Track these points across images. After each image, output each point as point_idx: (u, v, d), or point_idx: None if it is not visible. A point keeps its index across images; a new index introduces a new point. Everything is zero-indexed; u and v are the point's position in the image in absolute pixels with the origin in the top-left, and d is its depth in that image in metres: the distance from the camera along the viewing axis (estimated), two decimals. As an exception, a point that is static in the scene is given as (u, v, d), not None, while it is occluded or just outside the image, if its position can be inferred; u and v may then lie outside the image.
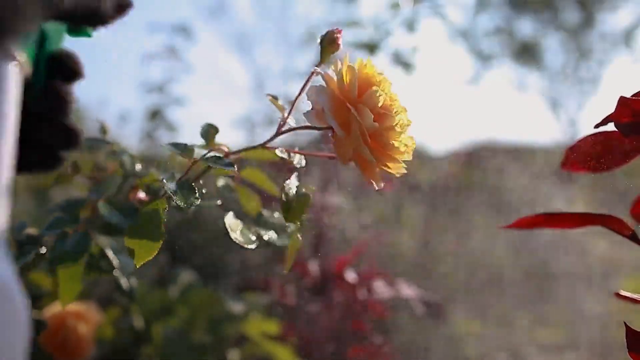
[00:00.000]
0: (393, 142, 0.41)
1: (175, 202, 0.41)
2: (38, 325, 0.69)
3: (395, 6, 1.60)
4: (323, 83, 0.42)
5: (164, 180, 0.42)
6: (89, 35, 0.35)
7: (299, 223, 0.47)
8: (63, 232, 0.49)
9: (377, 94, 0.40)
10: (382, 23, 1.62)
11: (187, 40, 2.33)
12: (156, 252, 0.43)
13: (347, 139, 0.41)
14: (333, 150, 0.42)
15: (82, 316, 0.79)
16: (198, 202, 0.41)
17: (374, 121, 0.40)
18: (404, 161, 0.43)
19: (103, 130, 0.59)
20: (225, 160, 0.44)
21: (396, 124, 0.41)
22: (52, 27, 0.32)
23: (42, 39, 0.32)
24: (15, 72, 0.27)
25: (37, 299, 0.74)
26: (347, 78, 0.41)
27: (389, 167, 0.43)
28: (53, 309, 0.76)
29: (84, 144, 0.56)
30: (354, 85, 0.40)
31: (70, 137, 0.34)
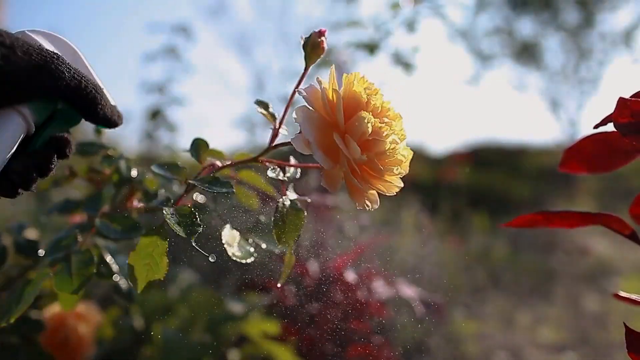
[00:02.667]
0: (384, 166, 0.39)
1: (177, 234, 0.39)
2: (38, 326, 0.69)
3: (396, 6, 1.60)
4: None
5: (164, 210, 0.41)
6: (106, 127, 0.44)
7: (292, 242, 0.45)
8: (67, 254, 0.49)
9: (365, 121, 0.37)
10: (383, 23, 1.62)
11: (187, 40, 2.33)
12: (160, 278, 0.43)
13: (335, 169, 0.39)
14: (323, 183, 0.40)
15: (82, 316, 0.79)
16: (200, 229, 0.40)
17: (363, 150, 0.37)
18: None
19: (98, 131, 0.59)
20: (221, 181, 0.42)
21: (387, 149, 0.39)
22: (65, 112, 0.41)
23: (54, 116, 0.40)
24: (19, 125, 0.37)
25: (37, 299, 0.74)
26: (332, 97, 0.39)
27: (382, 189, 0.41)
28: (53, 309, 0.76)
29: (79, 147, 0.57)
30: (339, 111, 0.38)
31: (26, 179, 0.40)
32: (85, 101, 0.39)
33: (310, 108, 0.40)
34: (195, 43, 2.36)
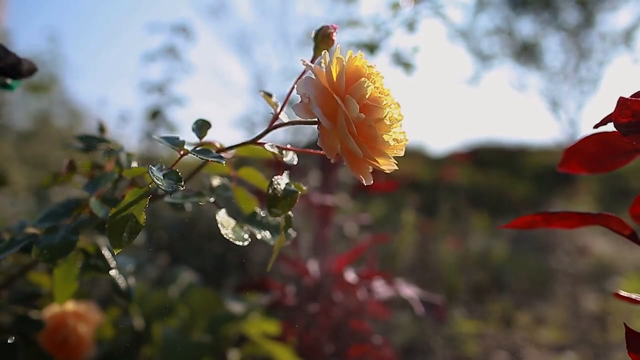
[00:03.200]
0: (382, 135, 0.40)
1: (160, 188, 0.40)
2: (38, 325, 0.69)
3: (396, 6, 1.60)
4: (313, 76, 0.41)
5: (151, 168, 0.42)
6: (12, 89, 0.55)
7: (284, 219, 0.46)
8: (54, 225, 0.49)
9: (365, 85, 0.39)
10: (383, 23, 1.62)
11: (187, 40, 2.33)
12: (133, 239, 0.42)
13: (333, 130, 0.40)
14: (320, 143, 0.41)
15: (82, 316, 0.79)
16: (182, 186, 0.41)
17: (361, 112, 0.39)
18: (395, 157, 0.42)
19: (101, 128, 0.59)
20: (214, 153, 0.44)
21: (385, 117, 0.40)
22: None
23: None
24: None
25: (37, 298, 0.74)
26: (335, 69, 0.40)
27: (378, 163, 0.41)
28: (53, 309, 0.76)
29: (80, 142, 0.57)
30: (341, 77, 0.39)
31: None
32: (13, 66, 0.51)
33: (312, 77, 0.41)
34: (195, 43, 2.36)
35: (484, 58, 7.46)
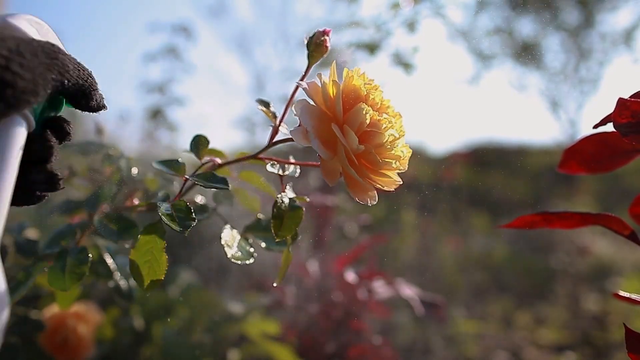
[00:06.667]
0: (383, 159, 0.39)
1: (173, 229, 0.39)
2: (38, 326, 0.69)
3: (396, 6, 1.60)
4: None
5: (158, 204, 0.41)
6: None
7: (290, 238, 0.45)
8: (62, 249, 0.48)
9: (364, 112, 0.37)
10: (383, 23, 1.62)
11: (187, 40, 2.34)
12: (159, 284, 0.42)
13: (333, 160, 0.38)
14: (321, 170, 0.39)
15: (82, 316, 0.79)
16: (194, 223, 0.39)
17: (361, 142, 0.37)
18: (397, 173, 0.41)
19: (99, 131, 0.59)
20: (218, 178, 0.42)
21: (385, 141, 0.38)
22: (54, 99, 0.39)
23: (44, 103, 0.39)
24: (23, 127, 0.34)
25: (37, 299, 0.74)
26: (332, 91, 0.39)
27: (380, 184, 0.40)
28: (53, 309, 0.76)
29: (80, 147, 0.57)
30: (338, 102, 0.38)
31: (51, 181, 0.39)
32: (85, 91, 0.37)
33: (310, 102, 0.40)
34: (195, 43, 2.37)
35: (484, 58, 7.43)
